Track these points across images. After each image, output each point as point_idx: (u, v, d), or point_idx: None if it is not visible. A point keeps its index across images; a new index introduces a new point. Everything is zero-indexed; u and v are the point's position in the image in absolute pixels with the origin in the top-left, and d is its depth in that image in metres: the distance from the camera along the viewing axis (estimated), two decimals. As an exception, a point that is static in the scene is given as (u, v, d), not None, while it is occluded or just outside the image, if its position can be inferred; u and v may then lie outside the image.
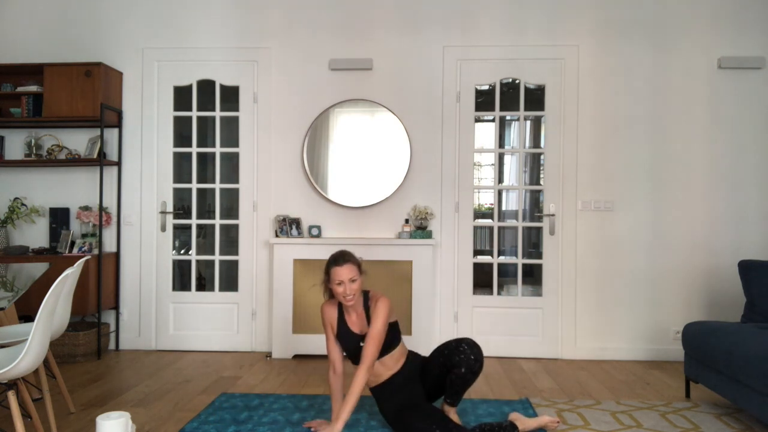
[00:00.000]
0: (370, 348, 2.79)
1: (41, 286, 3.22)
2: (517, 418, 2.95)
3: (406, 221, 4.57)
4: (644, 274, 4.51)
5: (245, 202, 4.71)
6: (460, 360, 2.80)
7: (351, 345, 2.92)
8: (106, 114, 4.50)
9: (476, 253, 4.70)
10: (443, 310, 4.57)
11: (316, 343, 4.44)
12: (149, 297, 4.72)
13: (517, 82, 4.66)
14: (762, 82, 4.48)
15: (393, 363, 2.94)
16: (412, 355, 3.05)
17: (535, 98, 4.64)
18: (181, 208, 4.85)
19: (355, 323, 2.92)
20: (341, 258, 2.85)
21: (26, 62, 4.59)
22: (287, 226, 4.54)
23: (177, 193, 4.81)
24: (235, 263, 4.73)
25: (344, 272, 2.81)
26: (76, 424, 3.05)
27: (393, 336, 2.92)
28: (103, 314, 4.62)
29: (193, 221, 4.81)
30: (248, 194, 4.71)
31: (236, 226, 4.74)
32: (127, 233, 4.73)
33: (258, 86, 4.68)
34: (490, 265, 4.64)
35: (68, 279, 2.66)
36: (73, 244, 4.56)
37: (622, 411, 3.27)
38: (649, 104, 4.52)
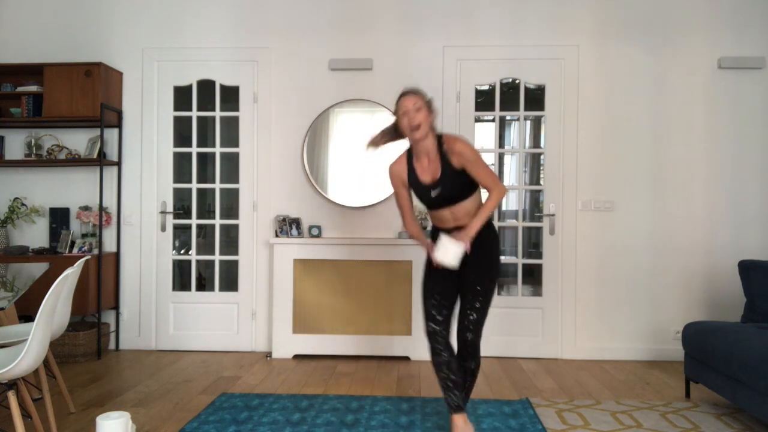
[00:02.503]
0: (483, 174, 2.69)
1: (41, 286, 3.22)
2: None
3: (406, 221, 4.56)
4: (644, 274, 4.51)
5: (245, 202, 4.71)
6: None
7: (426, 194, 2.78)
8: (106, 114, 4.50)
9: (476, 253, 4.69)
10: (443, 310, 4.57)
11: (316, 343, 4.45)
12: (149, 297, 4.72)
13: (517, 82, 4.65)
14: (762, 82, 4.48)
15: (462, 215, 2.75)
16: (489, 224, 2.82)
17: (535, 98, 4.64)
18: (181, 208, 4.85)
19: (426, 170, 2.75)
20: (405, 91, 2.75)
21: (26, 62, 4.59)
22: (287, 226, 4.54)
23: (177, 193, 4.81)
24: (235, 263, 4.73)
25: (408, 102, 2.68)
26: (76, 424, 3.05)
27: (471, 186, 2.74)
28: (103, 314, 4.62)
29: (193, 221, 4.81)
30: (248, 194, 4.71)
31: (236, 226, 4.74)
32: (127, 233, 4.73)
33: (258, 86, 4.68)
34: (490, 265, 4.63)
35: (68, 279, 2.66)
36: (73, 244, 4.56)
37: (622, 411, 3.27)
38: (649, 104, 4.52)
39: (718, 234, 4.48)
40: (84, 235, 4.63)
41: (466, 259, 2.70)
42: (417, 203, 2.93)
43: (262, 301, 4.67)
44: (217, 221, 4.77)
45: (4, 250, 4.49)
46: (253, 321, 4.68)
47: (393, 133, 2.83)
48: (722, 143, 4.49)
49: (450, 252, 2.62)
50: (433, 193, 2.74)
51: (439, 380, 2.72)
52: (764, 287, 3.50)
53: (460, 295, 2.80)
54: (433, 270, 2.81)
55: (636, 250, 4.51)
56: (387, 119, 4.54)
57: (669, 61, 4.51)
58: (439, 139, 2.75)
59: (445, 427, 2.99)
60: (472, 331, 2.72)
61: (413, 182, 2.80)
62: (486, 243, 2.77)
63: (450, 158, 2.70)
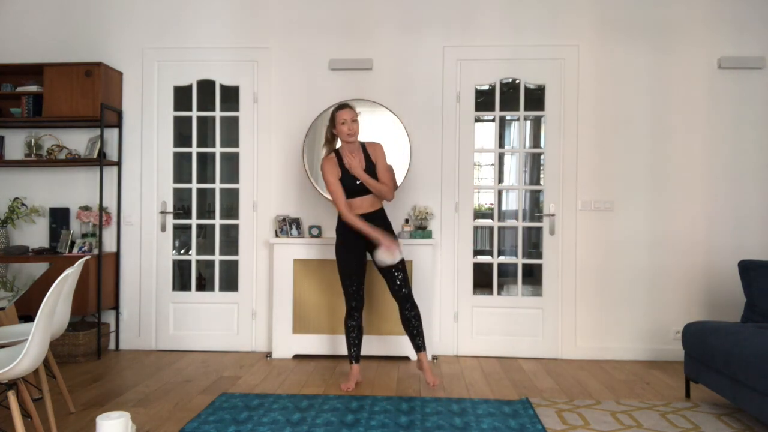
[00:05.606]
0: (386, 177, 3.63)
1: (41, 286, 3.22)
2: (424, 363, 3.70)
3: (406, 221, 4.57)
4: (644, 274, 4.51)
5: (245, 202, 4.71)
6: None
7: (352, 184, 3.59)
8: (106, 114, 4.50)
9: (476, 253, 4.70)
10: (443, 310, 4.57)
11: (316, 343, 4.45)
12: (149, 297, 4.72)
13: (517, 82, 4.65)
14: (762, 82, 4.48)
15: (370, 203, 3.65)
16: (383, 214, 3.73)
17: (535, 98, 4.64)
18: (181, 208, 4.85)
19: (354, 167, 3.56)
20: (344, 104, 3.61)
21: (26, 62, 4.59)
22: (287, 226, 4.54)
23: (177, 193, 4.81)
24: (235, 263, 4.73)
25: (347, 114, 3.54)
26: (76, 424, 3.06)
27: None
28: (103, 314, 4.62)
29: (193, 221, 4.81)
30: (248, 194, 4.71)
31: (236, 226, 4.74)
32: (127, 233, 4.73)
33: (258, 86, 4.68)
34: (490, 265, 4.64)
35: (68, 279, 2.66)
36: (73, 244, 4.56)
37: (622, 411, 3.27)
38: (649, 104, 4.52)
39: (718, 234, 4.48)
40: (84, 235, 4.63)
41: (373, 245, 3.58)
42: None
43: (262, 301, 4.67)
44: (217, 221, 4.77)
45: (4, 250, 4.49)
46: (253, 321, 4.68)
47: (331, 140, 3.67)
48: (722, 143, 4.49)
49: (395, 255, 3.55)
50: (359, 181, 3.57)
51: (349, 339, 3.69)
52: (764, 287, 3.51)
53: (382, 268, 3.65)
54: (352, 260, 3.65)
55: (636, 250, 4.51)
56: (387, 119, 4.57)
57: (669, 61, 4.52)
58: (362, 144, 3.68)
59: (446, 427, 3.00)
60: (405, 286, 3.66)
61: (345, 175, 3.59)
62: (388, 229, 3.72)
63: (369, 153, 3.64)
